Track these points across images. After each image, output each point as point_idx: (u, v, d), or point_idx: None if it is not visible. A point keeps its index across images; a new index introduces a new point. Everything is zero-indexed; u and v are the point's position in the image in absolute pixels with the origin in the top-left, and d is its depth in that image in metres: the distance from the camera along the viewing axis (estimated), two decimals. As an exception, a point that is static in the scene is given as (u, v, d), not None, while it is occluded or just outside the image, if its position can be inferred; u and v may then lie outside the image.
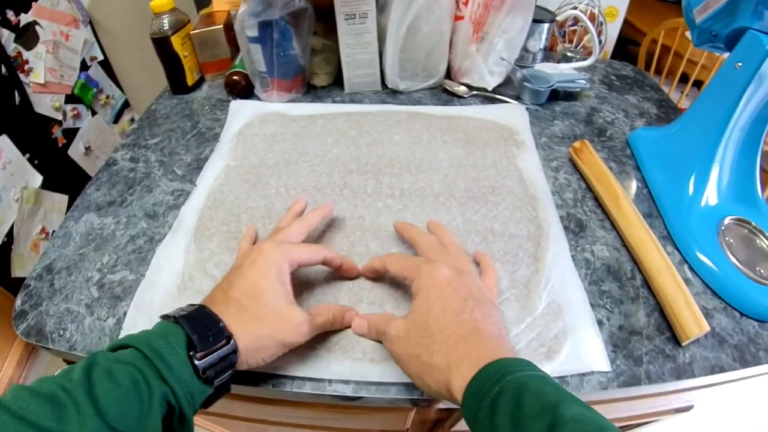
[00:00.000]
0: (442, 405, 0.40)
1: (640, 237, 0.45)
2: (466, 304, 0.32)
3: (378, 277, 0.43)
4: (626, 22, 0.89)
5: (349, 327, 0.39)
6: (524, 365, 0.27)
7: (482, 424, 0.26)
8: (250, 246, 0.40)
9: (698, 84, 1.45)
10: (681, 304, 0.39)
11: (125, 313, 0.40)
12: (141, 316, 0.40)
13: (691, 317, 0.38)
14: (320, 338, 0.38)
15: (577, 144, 0.56)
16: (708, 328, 0.38)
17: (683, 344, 0.38)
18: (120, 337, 0.39)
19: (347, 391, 0.36)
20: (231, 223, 0.48)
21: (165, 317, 0.30)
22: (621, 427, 0.69)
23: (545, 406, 0.24)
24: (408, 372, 0.33)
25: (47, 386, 0.25)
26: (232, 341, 0.29)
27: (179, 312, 0.31)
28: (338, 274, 0.42)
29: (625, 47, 1.78)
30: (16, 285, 1.10)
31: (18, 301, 0.43)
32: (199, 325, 0.29)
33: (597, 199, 0.51)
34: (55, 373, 0.27)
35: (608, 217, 0.49)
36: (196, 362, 0.28)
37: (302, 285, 0.42)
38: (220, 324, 0.29)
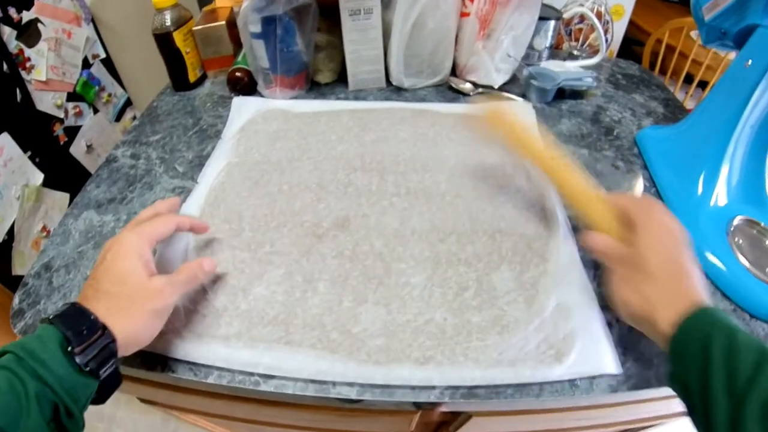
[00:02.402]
0: (446, 408, 0.39)
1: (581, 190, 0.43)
2: (682, 248, 0.36)
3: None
4: (631, 22, 0.88)
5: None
6: (726, 316, 0.31)
7: (692, 355, 0.29)
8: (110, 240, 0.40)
9: (703, 84, 1.44)
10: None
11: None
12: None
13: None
14: (324, 340, 0.37)
15: (487, 112, 0.49)
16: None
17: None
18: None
19: (351, 393, 0.35)
20: (233, 221, 0.47)
21: (42, 320, 0.31)
22: (626, 431, 0.68)
23: (756, 343, 0.28)
24: (619, 293, 0.36)
25: None
26: (107, 331, 0.31)
27: (53, 312, 0.32)
28: (195, 233, 0.44)
29: (630, 47, 1.77)
30: (17, 283, 1.10)
31: (16, 300, 0.42)
32: (72, 322, 0.30)
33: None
34: None
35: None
36: (76, 358, 0.29)
37: (307, 284, 0.42)
38: (92, 317, 0.31)
